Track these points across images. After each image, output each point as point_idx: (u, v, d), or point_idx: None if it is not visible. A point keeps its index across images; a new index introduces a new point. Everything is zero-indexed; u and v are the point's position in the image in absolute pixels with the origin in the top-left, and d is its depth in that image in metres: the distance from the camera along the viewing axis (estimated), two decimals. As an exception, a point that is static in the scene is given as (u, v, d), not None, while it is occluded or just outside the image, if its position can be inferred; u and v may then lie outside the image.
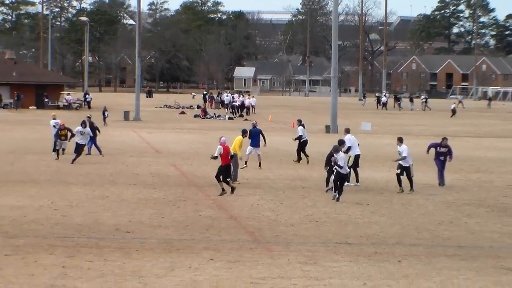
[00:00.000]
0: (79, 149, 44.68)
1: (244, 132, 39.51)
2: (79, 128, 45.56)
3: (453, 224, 28.84)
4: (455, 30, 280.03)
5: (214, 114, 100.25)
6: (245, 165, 41.71)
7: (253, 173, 41.00)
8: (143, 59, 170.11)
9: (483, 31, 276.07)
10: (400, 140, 35.81)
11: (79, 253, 22.59)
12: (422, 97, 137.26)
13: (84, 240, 24.40)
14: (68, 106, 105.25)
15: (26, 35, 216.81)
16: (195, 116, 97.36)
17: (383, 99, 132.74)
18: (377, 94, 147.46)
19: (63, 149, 46.78)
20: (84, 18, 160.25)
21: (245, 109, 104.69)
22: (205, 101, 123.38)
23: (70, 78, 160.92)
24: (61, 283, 19.32)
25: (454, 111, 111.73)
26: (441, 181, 37.47)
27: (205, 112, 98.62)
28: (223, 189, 33.09)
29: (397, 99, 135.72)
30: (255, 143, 43.89)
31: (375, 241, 25.37)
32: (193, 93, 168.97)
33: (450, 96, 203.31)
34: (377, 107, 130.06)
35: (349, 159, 35.34)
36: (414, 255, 23.51)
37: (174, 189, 35.42)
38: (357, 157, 37.30)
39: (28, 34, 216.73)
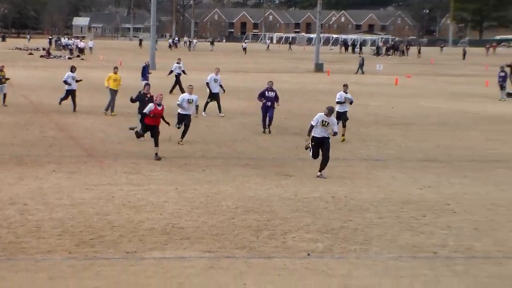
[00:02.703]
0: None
1: (115, 68, 37.55)
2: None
3: (246, 141, 29.17)
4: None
5: (56, 55, 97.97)
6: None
7: (87, 102, 40.29)
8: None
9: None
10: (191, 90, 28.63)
11: None
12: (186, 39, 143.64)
13: None
14: None
15: None
16: (41, 56, 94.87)
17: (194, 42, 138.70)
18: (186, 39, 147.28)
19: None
20: None
21: (81, 50, 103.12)
22: (50, 44, 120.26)
23: None
24: None
25: (244, 50, 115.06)
26: (265, 128, 31.33)
27: (49, 53, 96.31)
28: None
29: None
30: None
31: (185, 155, 25.41)
32: (28, 36, 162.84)
33: (245, 41, 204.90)
34: (189, 50, 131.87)
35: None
36: (215, 165, 23.67)
37: (24, 115, 34.56)
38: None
39: None
